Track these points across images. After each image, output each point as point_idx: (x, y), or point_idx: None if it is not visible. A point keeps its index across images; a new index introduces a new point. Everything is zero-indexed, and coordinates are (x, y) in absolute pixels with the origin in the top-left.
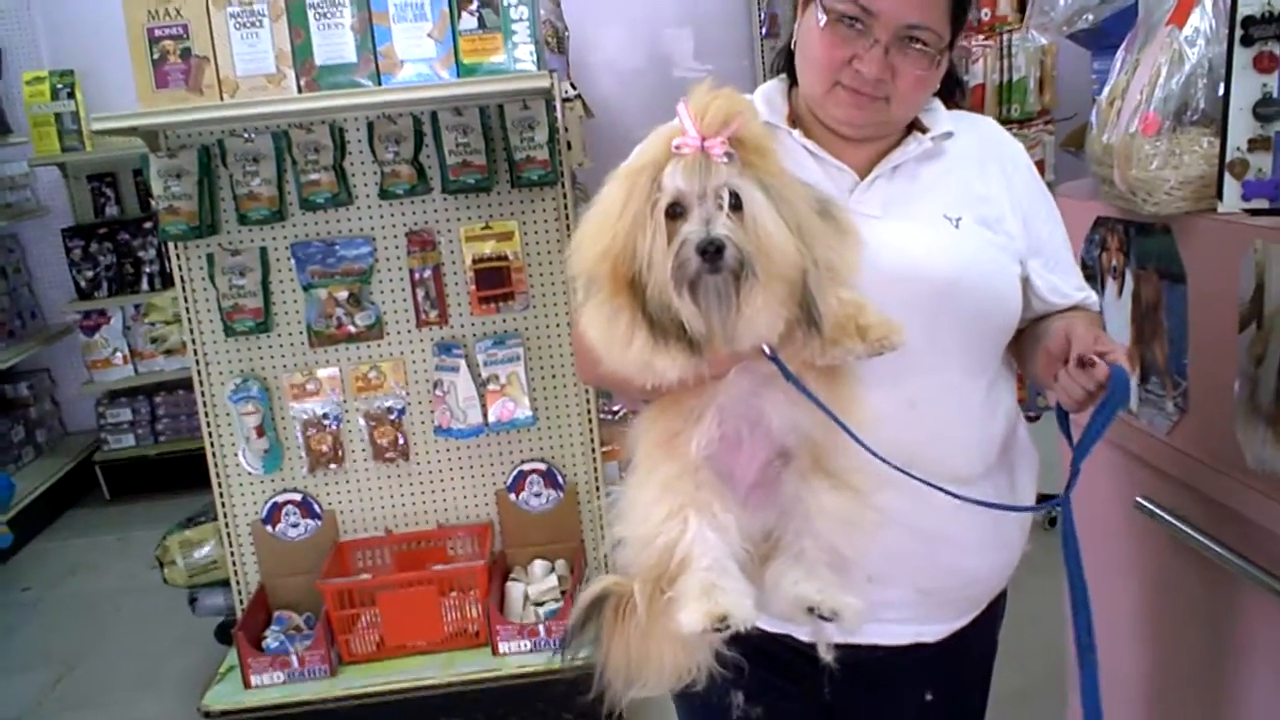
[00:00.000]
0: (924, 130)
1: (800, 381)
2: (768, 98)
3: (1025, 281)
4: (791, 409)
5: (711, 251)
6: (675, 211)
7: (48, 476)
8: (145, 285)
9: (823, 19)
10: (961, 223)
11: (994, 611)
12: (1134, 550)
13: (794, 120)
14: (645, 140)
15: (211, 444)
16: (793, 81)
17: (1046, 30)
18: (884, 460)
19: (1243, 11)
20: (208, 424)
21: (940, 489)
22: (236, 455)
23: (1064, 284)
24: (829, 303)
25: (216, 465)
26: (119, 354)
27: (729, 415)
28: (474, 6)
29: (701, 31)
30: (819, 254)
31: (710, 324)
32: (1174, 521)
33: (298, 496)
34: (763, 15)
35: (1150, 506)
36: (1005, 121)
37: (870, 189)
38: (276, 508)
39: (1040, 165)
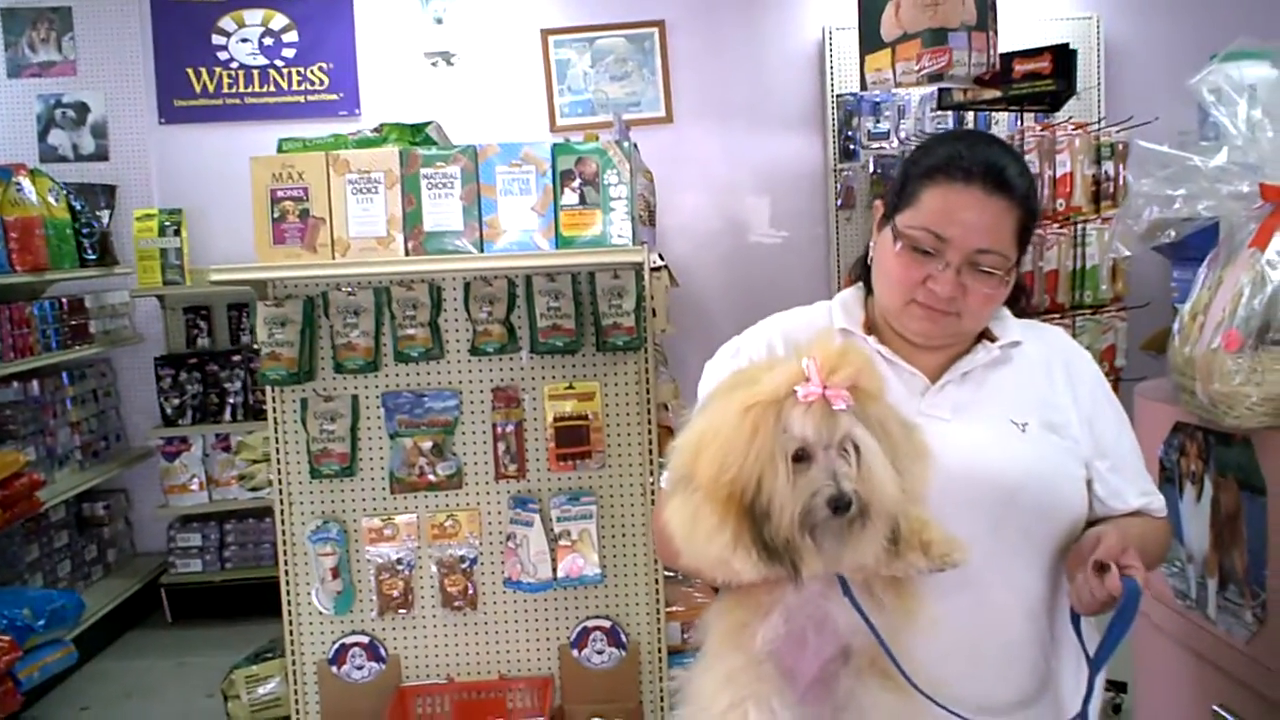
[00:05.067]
0: (993, 338)
1: (857, 597)
2: (845, 305)
3: (1089, 485)
4: (855, 611)
5: (843, 506)
6: (799, 455)
7: (114, 596)
8: (229, 416)
9: (899, 244)
10: (1028, 428)
11: None
12: None
13: (869, 327)
14: (760, 367)
15: (287, 582)
16: (869, 290)
17: (1130, 241)
18: (913, 684)
19: None
20: (285, 562)
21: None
22: (310, 594)
23: (1127, 489)
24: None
25: (289, 603)
26: (196, 480)
27: (796, 613)
28: (576, 184)
29: (779, 200)
30: (906, 478)
31: (820, 557)
32: None
33: (365, 639)
34: (839, 188)
35: (1228, 716)
36: (1077, 307)
37: (941, 393)
38: (344, 649)
39: (1111, 351)
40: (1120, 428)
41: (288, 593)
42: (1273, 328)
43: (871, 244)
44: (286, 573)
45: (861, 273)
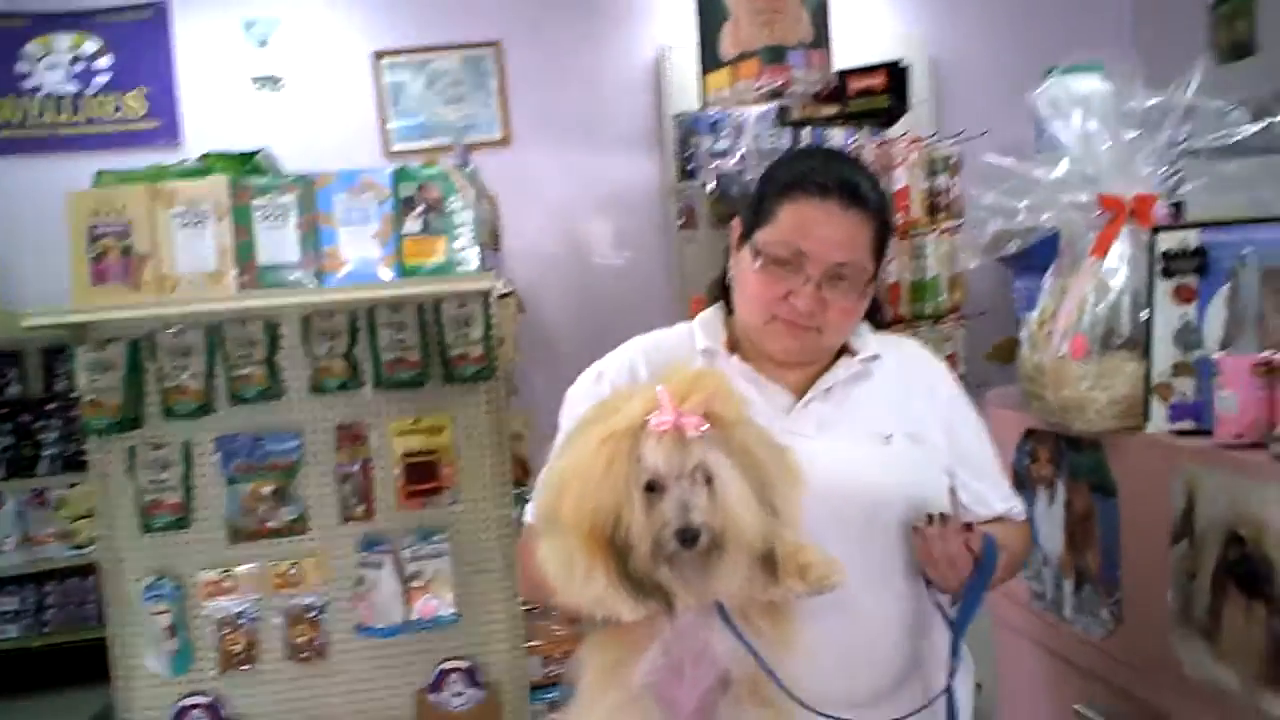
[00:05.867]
0: (853, 353)
1: (739, 624)
2: (706, 326)
3: (952, 493)
4: (734, 639)
5: (690, 538)
6: (654, 486)
7: None
8: (44, 469)
9: (759, 260)
10: (892, 439)
11: None
12: None
13: (732, 346)
14: (620, 397)
15: (117, 645)
16: (729, 309)
17: (975, 254)
18: (792, 695)
19: (1162, 247)
20: (114, 624)
21: None
22: (142, 657)
23: (989, 495)
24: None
25: (120, 667)
26: (10, 539)
27: (674, 645)
28: (419, 211)
29: (621, 221)
30: (778, 502)
31: (685, 588)
32: None
33: (206, 699)
34: (680, 207)
35: (1089, 714)
36: (919, 318)
37: (805, 410)
38: (183, 712)
39: (953, 359)
40: (979, 436)
41: (118, 656)
42: (1116, 333)
43: (730, 263)
44: (116, 635)
45: (720, 293)
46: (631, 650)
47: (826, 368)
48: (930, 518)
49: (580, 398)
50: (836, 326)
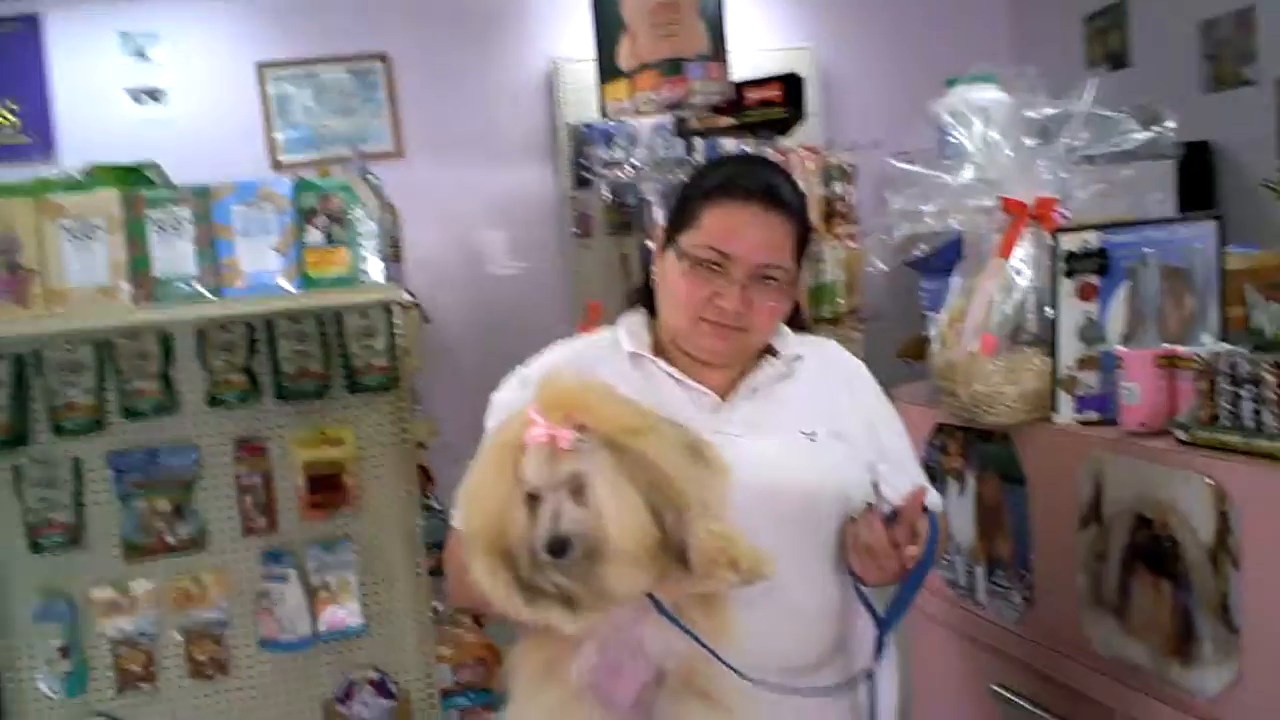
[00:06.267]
0: (776, 354)
1: (675, 615)
2: (631, 330)
3: (875, 487)
4: (668, 634)
5: (558, 548)
6: (533, 497)
7: None
8: None
9: (684, 264)
10: (817, 436)
11: None
12: None
13: (658, 349)
14: (511, 418)
15: (5, 668)
16: (651, 313)
17: (883, 258)
18: (730, 666)
19: (1064, 248)
20: (1, 646)
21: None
22: (34, 680)
23: (910, 488)
24: (700, 539)
25: (9, 691)
26: None
27: (608, 643)
28: (321, 221)
29: (515, 231)
30: (690, 496)
31: (579, 594)
32: (1029, 707)
33: None
34: (575, 216)
35: (1005, 693)
36: (818, 321)
37: (732, 410)
38: None
39: None
40: (898, 432)
41: (7, 680)
42: (1023, 330)
43: (653, 268)
44: (4, 658)
45: (641, 298)
46: (565, 649)
47: (751, 369)
48: (870, 507)
49: (504, 403)
50: (762, 327)
